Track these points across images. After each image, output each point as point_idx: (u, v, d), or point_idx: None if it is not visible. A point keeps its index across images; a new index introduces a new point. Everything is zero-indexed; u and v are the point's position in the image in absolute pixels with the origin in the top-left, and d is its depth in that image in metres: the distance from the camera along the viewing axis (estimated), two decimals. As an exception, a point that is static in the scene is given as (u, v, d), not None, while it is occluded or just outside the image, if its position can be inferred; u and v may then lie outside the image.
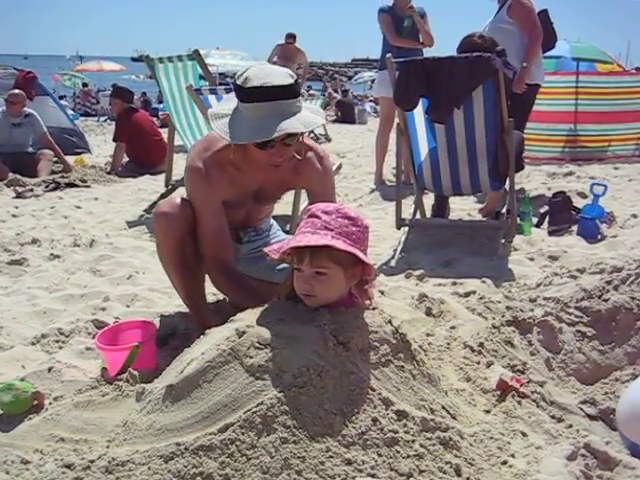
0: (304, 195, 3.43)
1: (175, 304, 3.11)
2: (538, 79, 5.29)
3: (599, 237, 4.27)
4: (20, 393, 2.13)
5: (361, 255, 1.82)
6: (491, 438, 1.84)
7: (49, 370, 2.39)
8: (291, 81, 2.27)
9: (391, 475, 1.57)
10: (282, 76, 2.26)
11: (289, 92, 2.26)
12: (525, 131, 5.39)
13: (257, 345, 1.73)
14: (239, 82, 2.27)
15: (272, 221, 3.01)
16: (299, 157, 2.49)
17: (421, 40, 6.36)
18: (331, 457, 1.57)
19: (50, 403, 2.18)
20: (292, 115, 2.27)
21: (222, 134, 2.31)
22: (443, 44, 6.94)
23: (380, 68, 6.55)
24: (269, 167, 2.41)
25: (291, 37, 10.20)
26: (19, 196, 6.15)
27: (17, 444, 1.95)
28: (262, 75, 2.24)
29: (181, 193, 2.67)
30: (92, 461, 1.72)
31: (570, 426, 2.01)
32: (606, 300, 2.54)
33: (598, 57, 8.61)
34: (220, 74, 15.33)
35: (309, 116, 2.33)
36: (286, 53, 10.08)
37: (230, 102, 2.40)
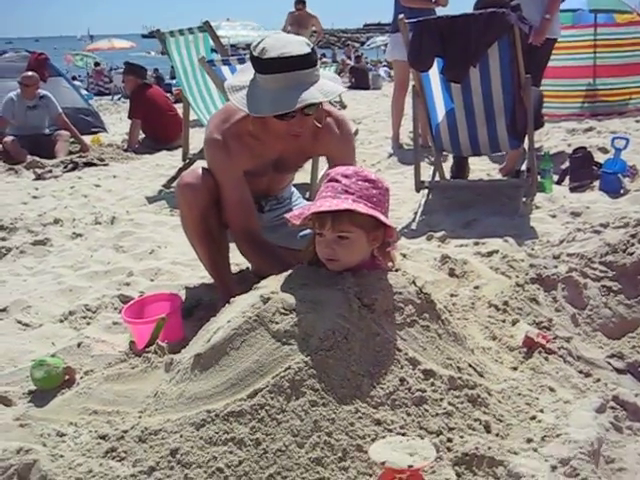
0: (323, 162, 3.41)
1: (199, 276, 3.14)
2: (556, 33, 5.18)
3: (622, 191, 4.22)
4: (52, 369, 2.17)
5: (382, 218, 1.81)
6: (519, 394, 1.84)
7: (78, 345, 2.43)
8: (308, 50, 2.24)
9: (420, 434, 1.58)
10: (299, 45, 2.23)
11: (307, 61, 2.23)
12: (543, 87, 5.30)
13: (282, 311, 1.74)
14: (256, 53, 2.24)
15: (293, 189, 3.01)
16: (319, 125, 2.47)
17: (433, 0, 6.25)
18: (360, 418, 1.58)
19: (81, 377, 2.22)
20: (311, 85, 2.24)
21: (241, 107, 2.30)
22: (457, 1, 6.78)
23: (392, 31, 6.45)
24: (289, 137, 2.39)
25: (300, 2, 10.07)
26: (39, 178, 6.20)
27: (52, 418, 1.99)
28: (279, 45, 2.21)
29: (201, 165, 2.66)
30: (125, 431, 1.76)
31: (598, 380, 2.00)
32: (631, 254, 2.51)
33: (617, 7, 8.37)
34: (232, 46, 15.24)
35: (328, 84, 2.30)
36: (298, 20, 9.98)
37: (246, 73, 2.37)
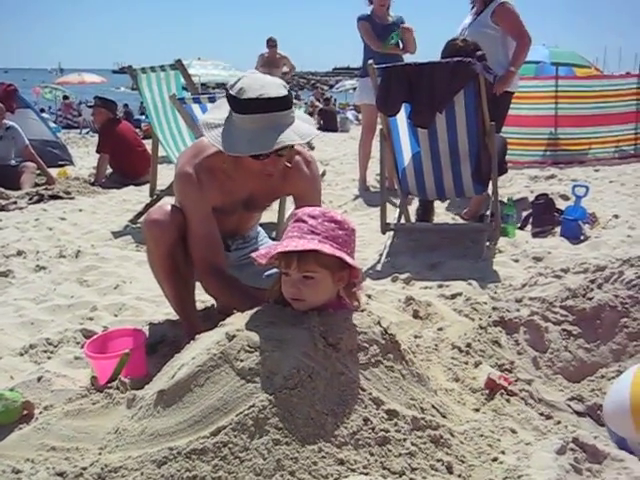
0: (290, 202, 3.44)
1: (163, 312, 3.12)
2: (515, 87, 5.31)
3: (582, 237, 4.32)
4: (10, 403, 2.12)
5: (348, 258, 1.83)
6: (481, 436, 1.86)
7: (38, 380, 2.38)
8: (285, 92, 2.28)
9: (384, 474, 1.58)
10: (276, 87, 2.27)
11: (284, 103, 2.27)
12: (506, 135, 5.43)
13: (247, 348, 1.74)
14: (233, 93, 2.27)
15: (259, 229, 3.02)
16: (289, 164, 2.51)
17: (401, 47, 6.41)
18: (324, 457, 1.58)
19: (40, 412, 2.17)
20: (287, 126, 2.28)
21: (217, 144, 2.31)
22: (423, 48, 6.96)
23: (361, 75, 6.59)
24: (261, 175, 2.42)
25: (272, 42, 10.20)
26: (2, 209, 6.12)
27: (8, 454, 1.94)
28: (257, 86, 2.25)
29: (169, 201, 2.67)
30: (84, 468, 1.73)
31: (559, 422, 2.03)
32: (590, 299, 2.58)
33: (577, 61, 8.73)
34: (202, 84, 15.34)
35: (303, 126, 2.34)
36: (270, 61, 10.11)
37: (221, 110, 2.40)
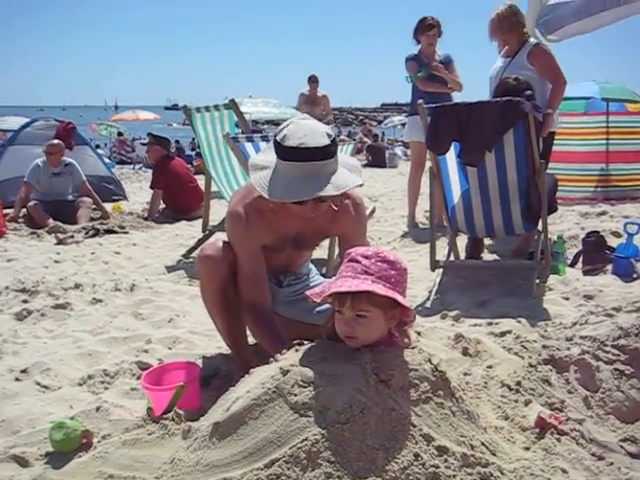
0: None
1: (216, 346, 3.19)
2: (556, 125, 5.30)
3: (635, 275, 4.26)
4: (70, 431, 2.21)
5: (400, 299, 1.88)
6: (531, 474, 1.86)
7: (97, 409, 2.47)
8: (327, 142, 2.31)
9: (434, 510, 1.60)
10: (319, 136, 2.31)
11: (325, 153, 2.30)
12: (557, 172, 5.41)
13: (301, 383, 1.78)
14: (278, 138, 2.34)
15: (311, 265, 3.09)
16: (335, 208, 2.56)
17: (449, 85, 6.48)
18: (375, 492, 1.60)
19: (99, 441, 2.25)
20: (327, 175, 2.32)
21: (259, 188, 2.38)
22: (470, 87, 7.01)
23: (410, 113, 6.67)
24: (303, 217, 2.49)
25: (314, 79, 10.38)
26: (60, 242, 6.34)
27: (68, 481, 2.02)
28: (299, 135, 2.30)
29: (221, 237, 2.76)
30: (142, 497, 1.78)
31: (611, 464, 2.01)
32: (643, 338, 2.55)
33: (628, 96, 8.63)
34: (253, 121, 15.66)
35: (344, 175, 2.38)
36: (311, 99, 10.30)
37: (270, 152, 2.47)
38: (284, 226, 2.62)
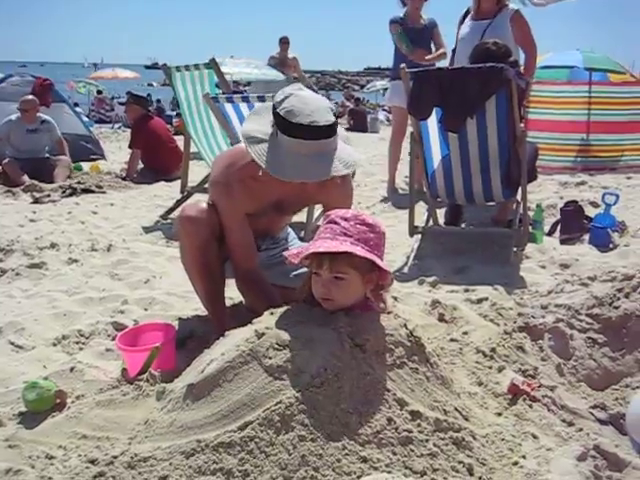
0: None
1: (192, 308, 3.17)
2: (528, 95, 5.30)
3: (611, 246, 4.30)
4: (44, 391, 2.19)
5: (379, 261, 1.87)
6: (503, 440, 1.88)
7: (71, 370, 2.45)
8: (333, 119, 2.30)
9: (405, 473, 1.62)
10: (326, 112, 2.28)
11: (332, 131, 2.30)
12: (537, 140, 5.41)
13: (276, 346, 1.78)
14: (281, 113, 2.28)
15: (289, 229, 3.07)
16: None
17: (433, 51, 6.41)
18: (347, 455, 1.62)
19: (73, 402, 2.24)
20: (333, 153, 2.32)
21: (261, 163, 2.32)
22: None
23: (392, 78, 6.60)
24: (294, 185, 2.43)
25: (285, 41, 10.24)
26: (36, 201, 6.25)
27: (41, 440, 2.01)
28: (307, 111, 2.25)
29: (202, 198, 2.73)
30: (115, 457, 1.78)
31: (580, 429, 2.04)
32: (617, 307, 2.58)
33: (611, 67, 8.62)
34: (234, 82, 15.43)
35: (346, 150, 2.37)
36: (281, 60, 10.19)
37: (260, 120, 2.41)
38: (267, 194, 2.58)
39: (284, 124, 2.28)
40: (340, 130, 2.47)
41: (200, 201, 2.66)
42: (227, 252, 2.63)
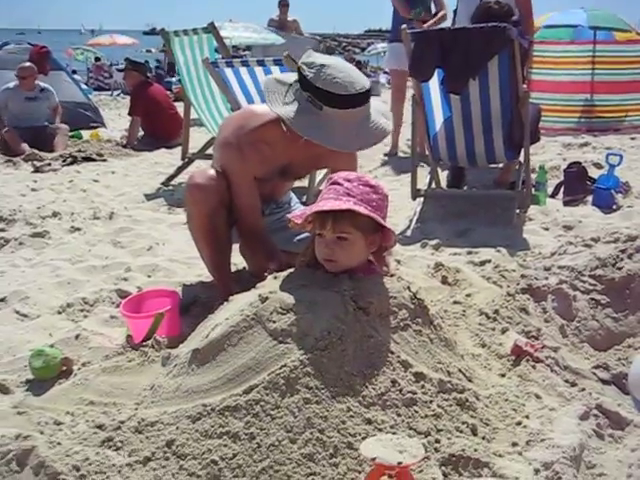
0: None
1: (195, 274, 3.18)
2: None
3: (614, 207, 4.28)
4: (50, 359, 2.21)
5: (381, 220, 1.87)
6: (506, 400, 1.90)
7: (76, 337, 2.47)
8: (369, 84, 2.34)
9: (410, 434, 1.63)
10: (360, 76, 2.33)
11: (368, 95, 2.34)
12: (540, 101, 5.36)
13: (279, 310, 1.79)
14: (323, 87, 2.27)
15: (292, 194, 3.05)
16: None
17: (433, 12, 6.31)
18: (352, 416, 1.63)
19: (79, 368, 2.26)
20: (369, 120, 2.37)
21: (302, 133, 2.32)
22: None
23: (391, 40, 6.51)
24: (307, 147, 2.42)
25: (284, 4, 10.08)
26: (37, 170, 6.23)
27: (49, 407, 2.03)
28: (349, 79, 2.28)
29: (204, 166, 2.72)
30: (122, 422, 1.80)
31: (583, 389, 2.05)
32: (620, 268, 2.58)
33: (616, 25, 8.47)
34: (233, 47, 15.26)
35: (379, 113, 2.41)
36: (281, 23, 10.06)
37: (280, 95, 2.40)
38: (277, 158, 2.57)
39: (328, 97, 2.28)
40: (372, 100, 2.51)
41: (208, 168, 2.64)
42: (235, 215, 2.62)
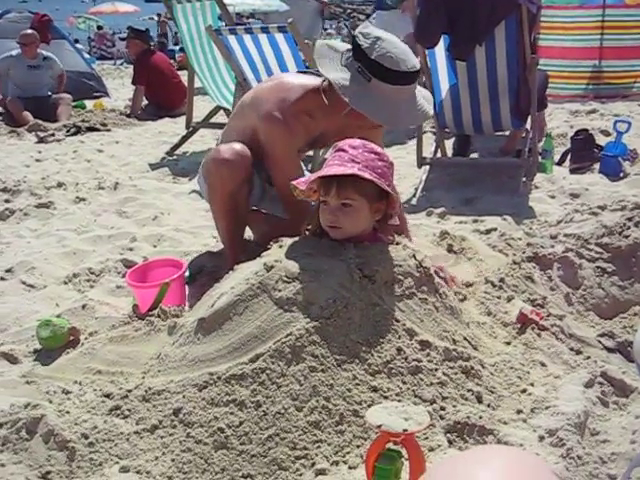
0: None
1: (201, 243, 3.19)
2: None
3: (621, 175, 4.24)
4: (57, 329, 2.23)
5: (385, 186, 1.86)
6: (511, 368, 1.90)
7: (83, 307, 2.48)
8: (419, 65, 2.36)
9: (415, 401, 1.64)
10: (412, 56, 2.33)
11: (418, 76, 2.37)
12: (547, 67, 5.29)
13: (285, 279, 1.79)
14: (378, 60, 2.25)
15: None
16: None
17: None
18: (358, 384, 1.64)
19: (86, 338, 2.28)
20: (415, 99, 2.38)
21: (346, 96, 2.29)
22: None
23: (376, 7, 6.39)
24: (341, 116, 2.41)
25: None
26: (41, 141, 6.21)
27: (57, 376, 2.05)
28: (403, 57, 2.28)
29: (204, 134, 2.69)
30: (129, 390, 1.82)
31: (588, 357, 2.06)
32: (626, 236, 2.56)
33: (627, -13, 8.33)
34: (237, 14, 15.09)
35: (421, 96, 2.43)
36: None
37: (332, 63, 2.37)
38: (316, 128, 2.56)
39: (380, 70, 2.27)
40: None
41: (234, 143, 2.55)
42: (274, 182, 2.62)
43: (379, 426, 1.40)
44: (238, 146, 2.54)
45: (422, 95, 2.44)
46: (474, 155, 4.96)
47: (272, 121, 2.47)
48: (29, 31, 7.52)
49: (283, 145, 2.50)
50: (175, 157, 5.42)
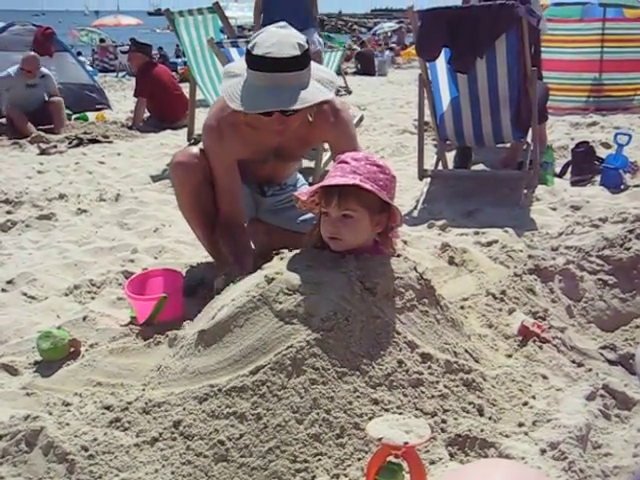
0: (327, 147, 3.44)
1: (202, 255, 3.17)
2: (543, 32, 5.14)
3: (622, 187, 4.25)
4: (58, 340, 2.22)
5: (386, 198, 1.87)
6: (513, 380, 1.89)
7: (84, 319, 2.48)
8: (297, 53, 2.21)
9: (416, 414, 1.63)
10: (288, 46, 2.21)
11: (292, 64, 2.22)
12: (548, 80, 5.30)
13: (286, 291, 1.78)
14: (249, 46, 2.27)
15: (299, 176, 3.04)
16: (310, 118, 2.48)
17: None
18: (358, 397, 1.64)
19: (86, 350, 2.28)
20: (294, 89, 2.24)
21: (226, 97, 2.32)
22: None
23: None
24: (277, 129, 2.39)
25: None
26: (43, 152, 6.23)
27: (57, 388, 2.05)
28: (268, 43, 2.21)
29: (196, 145, 2.72)
30: (129, 402, 1.81)
31: (590, 370, 2.05)
32: (628, 249, 2.56)
33: (625, 1, 8.35)
34: (239, 27, 15.18)
35: (313, 89, 2.29)
36: None
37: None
38: (262, 139, 2.53)
39: (248, 56, 2.27)
40: (324, 72, 2.42)
41: (192, 146, 2.67)
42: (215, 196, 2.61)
43: (380, 439, 1.39)
44: (194, 149, 2.62)
45: (311, 92, 2.28)
46: (475, 167, 4.97)
47: (207, 129, 2.54)
48: (32, 54, 7.51)
49: (215, 152, 2.54)
50: (170, 165, 5.42)
